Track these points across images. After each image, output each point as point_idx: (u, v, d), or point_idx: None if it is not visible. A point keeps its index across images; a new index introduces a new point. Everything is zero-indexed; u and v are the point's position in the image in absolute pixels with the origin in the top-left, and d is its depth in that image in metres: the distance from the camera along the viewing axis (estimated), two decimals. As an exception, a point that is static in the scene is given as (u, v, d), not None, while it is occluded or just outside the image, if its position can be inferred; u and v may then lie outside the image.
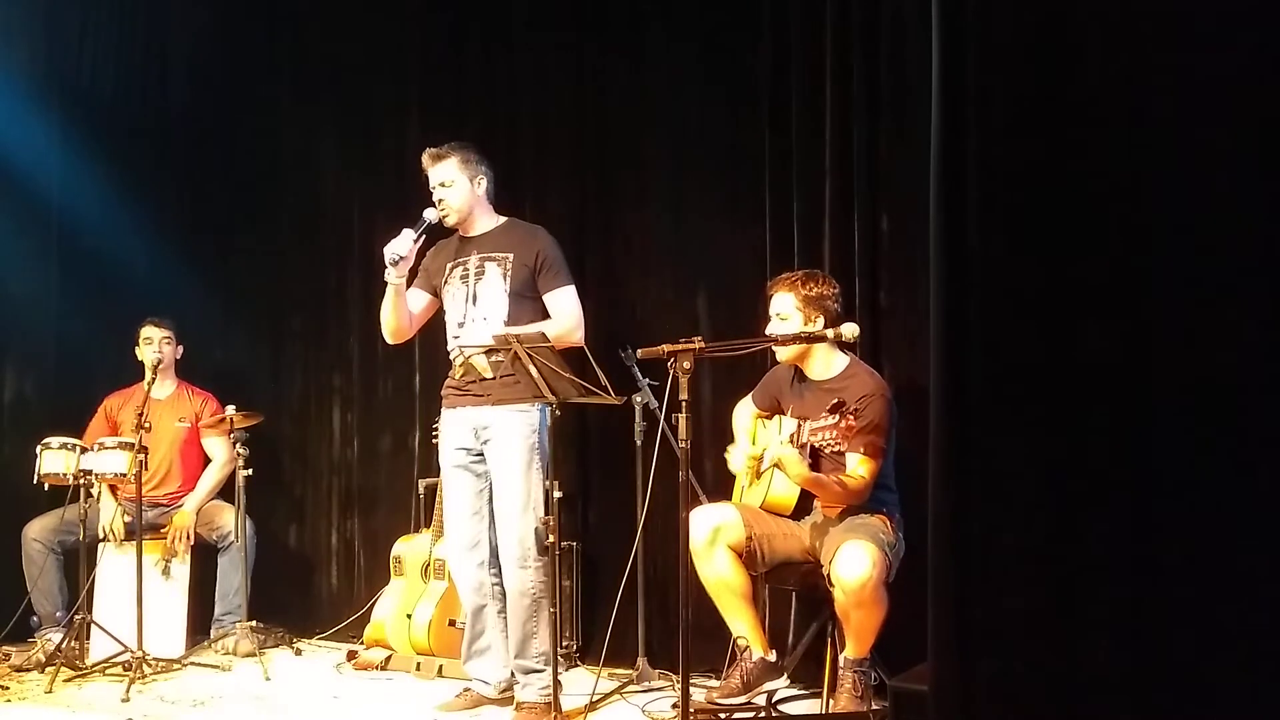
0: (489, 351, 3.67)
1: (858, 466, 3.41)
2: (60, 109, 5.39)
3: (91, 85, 5.50)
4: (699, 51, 4.42)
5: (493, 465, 3.73)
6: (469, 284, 3.77)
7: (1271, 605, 2.09)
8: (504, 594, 3.76)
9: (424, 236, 3.71)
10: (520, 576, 3.66)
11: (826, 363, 3.61)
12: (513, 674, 3.75)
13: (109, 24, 5.56)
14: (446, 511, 3.85)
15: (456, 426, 3.79)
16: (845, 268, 3.91)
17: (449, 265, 3.84)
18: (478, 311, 3.74)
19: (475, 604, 3.80)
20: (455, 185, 3.76)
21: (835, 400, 3.25)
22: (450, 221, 3.78)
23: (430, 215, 3.74)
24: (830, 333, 3.46)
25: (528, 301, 3.74)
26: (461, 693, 3.85)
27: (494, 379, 3.70)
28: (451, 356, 3.83)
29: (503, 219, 3.87)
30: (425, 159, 3.81)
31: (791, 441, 3.28)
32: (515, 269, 3.73)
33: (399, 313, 3.80)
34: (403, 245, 3.64)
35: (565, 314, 3.72)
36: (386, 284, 3.72)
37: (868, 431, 3.37)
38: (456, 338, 3.78)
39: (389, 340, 3.95)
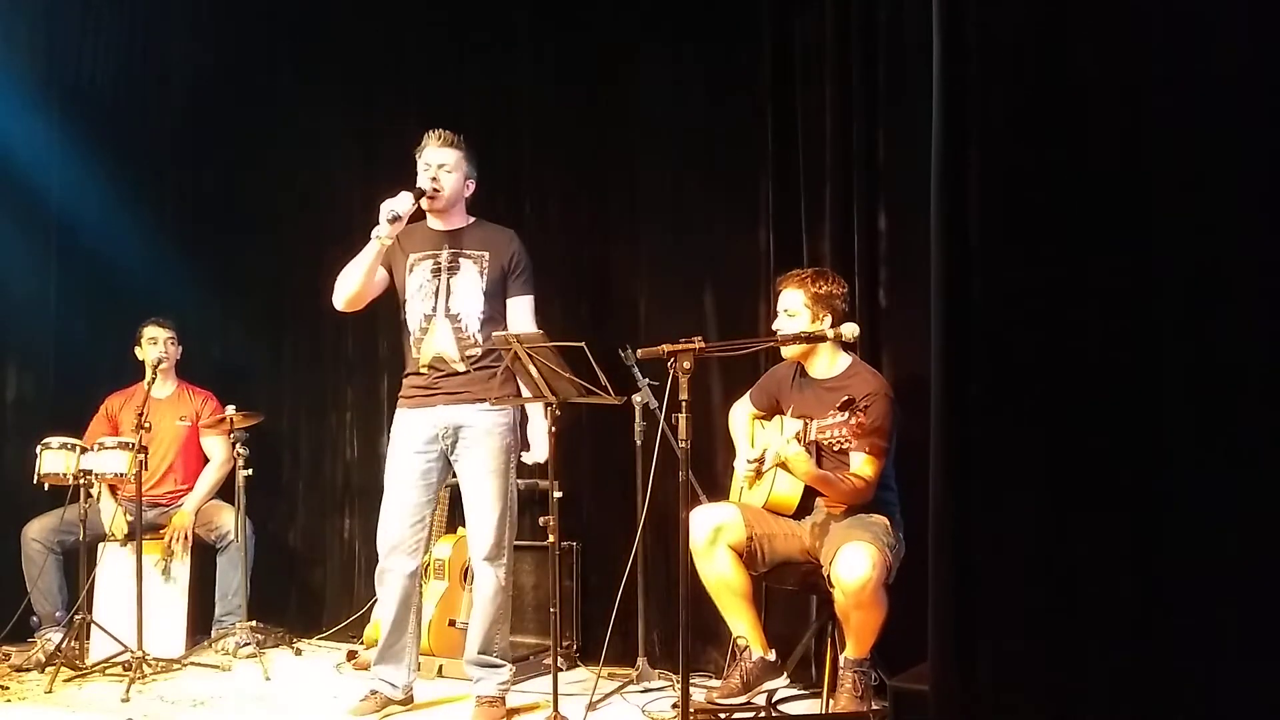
0: (462, 345, 3.66)
1: (863, 466, 3.42)
2: (60, 109, 5.40)
3: (91, 85, 5.50)
4: (699, 52, 4.43)
5: (463, 465, 3.70)
6: (441, 277, 3.71)
7: (1273, 605, 2.09)
8: (421, 603, 3.85)
9: (417, 205, 3.65)
10: (489, 575, 3.68)
11: (830, 361, 3.62)
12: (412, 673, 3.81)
13: (109, 24, 5.55)
14: (386, 514, 3.74)
15: (418, 427, 3.72)
16: (845, 267, 3.91)
17: (416, 254, 3.75)
18: (452, 306, 3.69)
19: (398, 615, 3.74)
20: (455, 174, 3.72)
21: (845, 398, 3.25)
22: (437, 205, 3.71)
23: (426, 186, 3.67)
24: (830, 332, 3.48)
25: (498, 301, 3.73)
26: (368, 695, 3.81)
27: (466, 374, 3.67)
28: (412, 346, 3.74)
29: (472, 218, 3.82)
30: (434, 137, 3.72)
31: (798, 439, 3.29)
32: (491, 268, 3.71)
33: (369, 278, 3.69)
34: (402, 204, 3.57)
35: (527, 323, 3.70)
36: (372, 240, 3.61)
37: (871, 431, 3.38)
38: (425, 330, 3.71)
39: (343, 308, 3.76)
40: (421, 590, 3.87)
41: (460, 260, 3.72)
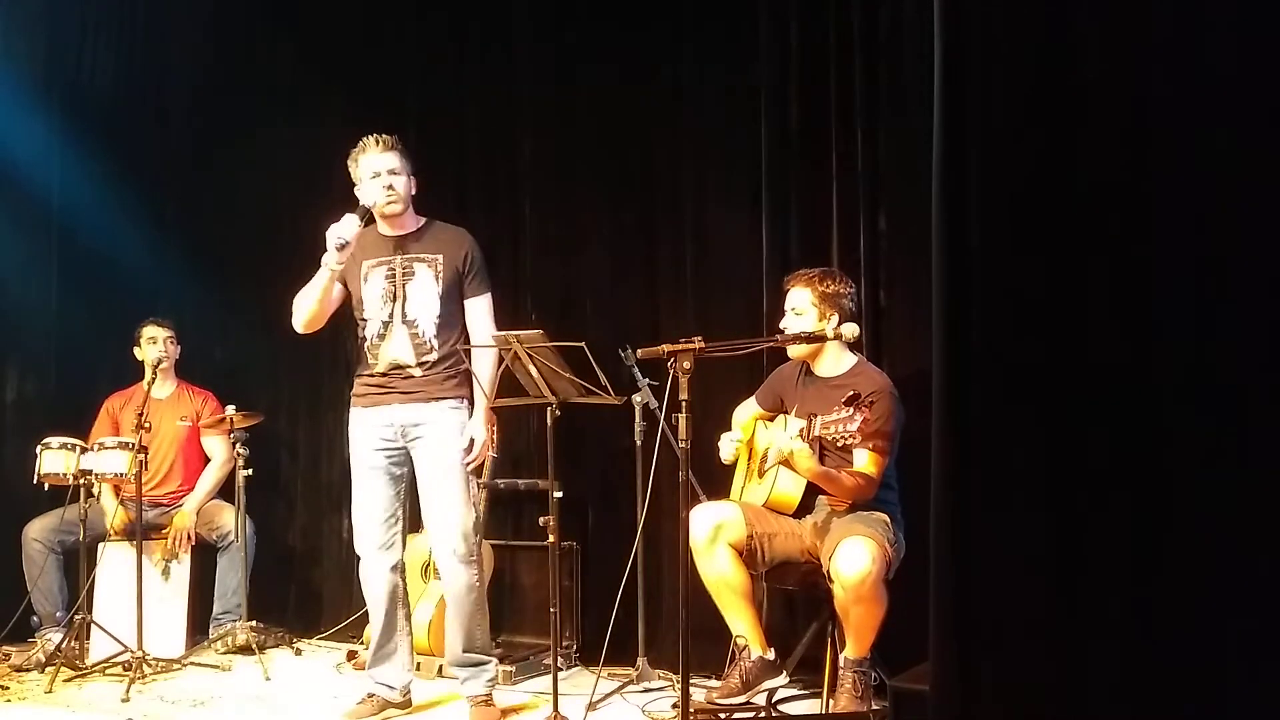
0: (419, 350, 3.65)
1: (866, 464, 3.42)
2: (60, 109, 5.39)
3: (91, 85, 5.50)
4: (699, 52, 4.42)
5: (423, 463, 3.69)
6: (395, 283, 3.68)
7: (1274, 605, 2.09)
8: (408, 599, 3.84)
9: (365, 223, 3.62)
10: (464, 572, 3.67)
11: (836, 360, 3.63)
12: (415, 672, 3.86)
13: (109, 24, 5.55)
14: (358, 514, 3.78)
15: (375, 425, 3.71)
16: (845, 267, 3.91)
17: (370, 262, 3.71)
18: (408, 312, 3.67)
19: (386, 612, 3.76)
20: (402, 176, 3.68)
21: (851, 393, 3.26)
22: (395, 210, 3.66)
23: (368, 200, 3.62)
24: (831, 332, 3.49)
25: (454, 303, 3.70)
26: (365, 698, 3.80)
27: (421, 375, 3.66)
28: (367, 352, 3.72)
29: (423, 219, 3.78)
30: (373, 143, 3.66)
31: (802, 436, 3.29)
32: (446, 271, 3.67)
33: (325, 301, 3.68)
34: (348, 229, 3.53)
35: (485, 323, 3.69)
36: (322, 268, 3.59)
37: (875, 430, 3.38)
38: (382, 336, 3.68)
39: (301, 330, 3.78)
40: (407, 586, 3.85)
41: (415, 265, 3.69)
